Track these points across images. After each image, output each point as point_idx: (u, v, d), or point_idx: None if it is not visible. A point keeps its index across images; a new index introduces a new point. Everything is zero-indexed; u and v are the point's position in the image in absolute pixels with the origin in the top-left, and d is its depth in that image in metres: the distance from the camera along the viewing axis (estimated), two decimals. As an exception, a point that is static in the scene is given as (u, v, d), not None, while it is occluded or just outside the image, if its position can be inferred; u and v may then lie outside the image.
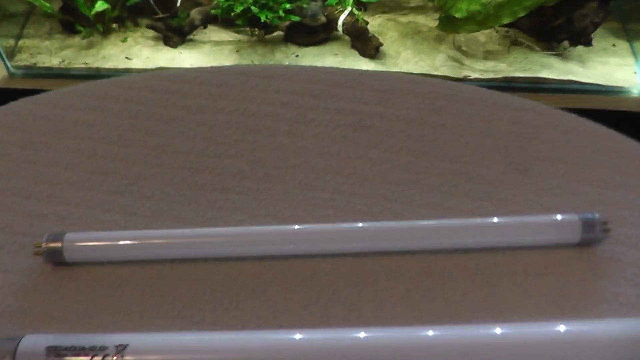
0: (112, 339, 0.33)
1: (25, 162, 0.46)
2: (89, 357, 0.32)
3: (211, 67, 0.54)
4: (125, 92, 0.51)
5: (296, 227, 0.39)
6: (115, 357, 0.32)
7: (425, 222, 0.40)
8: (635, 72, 1.08)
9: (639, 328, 0.34)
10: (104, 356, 0.32)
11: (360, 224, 0.39)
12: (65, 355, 0.32)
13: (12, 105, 0.50)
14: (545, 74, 1.04)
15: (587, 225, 0.39)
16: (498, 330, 0.33)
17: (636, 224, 0.41)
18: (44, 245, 0.39)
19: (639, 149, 0.47)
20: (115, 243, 0.39)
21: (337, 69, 0.53)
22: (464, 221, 0.40)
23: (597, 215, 0.39)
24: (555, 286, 0.38)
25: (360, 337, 0.33)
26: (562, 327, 0.33)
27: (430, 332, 0.33)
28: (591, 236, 0.39)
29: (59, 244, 0.39)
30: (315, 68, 0.54)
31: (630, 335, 0.33)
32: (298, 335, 0.33)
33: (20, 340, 0.33)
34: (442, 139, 0.47)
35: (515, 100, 0.50)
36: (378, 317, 0.36)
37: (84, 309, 0.37)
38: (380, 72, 0.51)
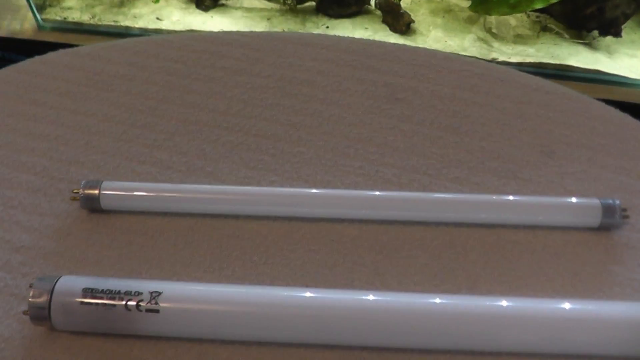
0: (147, 285, 0.34)
1: (64, 111, 0.47)
2: (124, 302, 0.34)
3: (250, 32, 0.55)
4: (165, 50, 0.52)
5: (326, 191, 0.41)
6: (149, 303, 0.34)
7: (450, 195, 0.41)
8: (663, 67, 1.08)
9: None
10: (138, 301, 0.33)
11: (387, 193, 0.41)
12: (101, 297, 0.34)
13: (52, 55, 0.51)
14: (572, 62, 1.04)
15: (608, 210, 0.40)
16: (504, 303, 0.34)
17: (657, 212, 0.42)
18: (81, 191, 0.40)
19: (666, 140, 0.47)
20: (151, 194, 0.40)
21: (374, 41, 0.53)
22: (488, 197, 0.41)
23: (617, 201, 0.40)
24: (571, 267, 0.39)
25: (383, 300, 0.34)
26: (567, 305, 0.34)
27: (446, 300, 0.34)
28: (610, 221, 0.40)
29: (96, 191, 0.40)
30: (353, 39, 0.54)
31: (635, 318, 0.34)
32: (323, 295, 0.34)
33: (58, 280, 0.34)
34: (473, 117, 0.47)
35: (546, 83, 0.50)
36: (400, 283, 0.38)
37: (117, 255, 0.39)
38: (415, 47, 0.51)
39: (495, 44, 1.05)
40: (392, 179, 0.43)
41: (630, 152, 0.46)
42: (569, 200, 0.41)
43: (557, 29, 1.09)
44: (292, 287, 0.36)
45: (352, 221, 0.40)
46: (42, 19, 1.08)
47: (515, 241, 0.40)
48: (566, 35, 1.09)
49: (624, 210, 0.41)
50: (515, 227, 0.41)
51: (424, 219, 0.40)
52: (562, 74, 1.05)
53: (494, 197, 0.41)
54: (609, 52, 1.08)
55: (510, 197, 0.41)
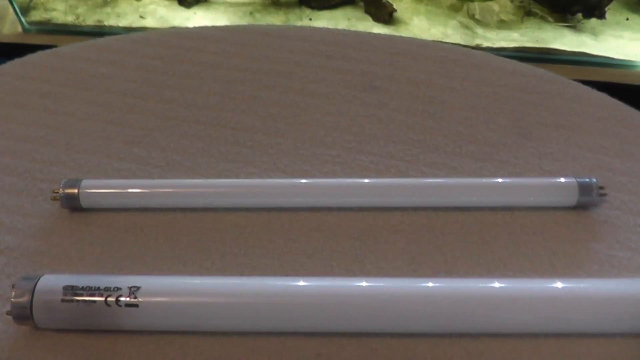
0: (126, 280, 0.35)
1: (44, 112, 0.48)
2: (104, 297, 0.34)
3: (226, 26, 0.55)
4: (142, 47, 0.52)
5: (304, 180, 0.41)
6: (128, 298, 0.34)
7: (426, 180, 0.41)
8: (648, 47, 1.08)
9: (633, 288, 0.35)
10: (118, 297, 0.34)
11: (365, 180, 0.41)
12: (82, 294, 0.34)
13: (32, 57, 0.52)
14: (557, 45, 1.04)
15: (584, 189, 0.40)
16: (496, 284, 0.35)
17: (633, 190, 0.43)
18: (61, 191, 0.40)
19: (641, 118, 0.48)
20: (130, 191, 0.41)
21: (350, 31, 0.54)
22: (464, 180, 0.41)
23: (594, 179, 0.41)
24: (550, 246, 0.39)
25: (361, 286, 0.35)
26: (559, 284, 0.35)
27: (430, 284, 0.35)
28: (588, 200, 0.41)
29: (75, 190, 0.40)
30: (329, 29, 0.54)
31: (624, 294, 0.35)
32: (302, 283, 0.35)
33: (39, 279, 0.35)
34: (449, 102, 0.48)
35: (522, 66, 0.51)
36: (379, 268, 0.38)
37: (99, 252, 0.39)
38: (392, 35, 0.52)
39: (479, 31, 1.06)
40: (370, 166, 0.43)
41: (608, 130, 0.46)
42: (545, 180, 0.41)
43: (541, 13, 1.09)
44: (271, 276, 0.37)
45: (330, 209, 0.41)
46: (26, 21, 1.09)
47: (493, 223, 0.40)
48: (550, 19, 1.09)
49: (601, 188, 0.41)
50: (493, 209, 0.41)
51: (401, 205, 0.41)
52: (548, 57, 1.05)
53: (471, 180, 0.42)
54: (594, 34, 1.09)
55: (487, 180, 0.41)
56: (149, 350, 0.34)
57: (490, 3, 1.08)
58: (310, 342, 0.35)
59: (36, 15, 1.10)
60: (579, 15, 1.08)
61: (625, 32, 1.09)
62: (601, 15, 1.06)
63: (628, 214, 0.41)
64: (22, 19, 1.08)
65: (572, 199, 0.41)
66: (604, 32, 1.09)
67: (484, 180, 0.41)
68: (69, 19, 1.09)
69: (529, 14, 1.09)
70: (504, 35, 1.05)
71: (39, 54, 0.52)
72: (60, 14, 1.10)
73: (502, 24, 1.07)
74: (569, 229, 0.40)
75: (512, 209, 0.41)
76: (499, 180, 0.41)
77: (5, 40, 1.08)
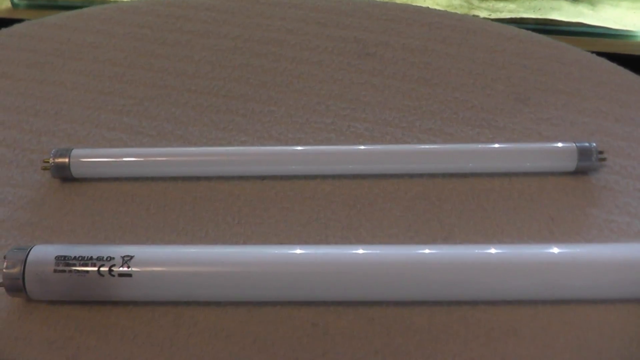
0: (119, 250, 0.34)
1: (32, 82, 0.47)
2: (96, 267, 0.33)
3: (216, -7, 0.54)
4: (131, 16, 0.51)
5: (298, 147, 0.40)
6: (121, 268, 0.33)
7: (422, 146, 0.41)
8: (646, 16, 1.07)
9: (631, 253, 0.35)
10: (111, 266, 0.33)
11: (360, 147, 0.40)
12: (74, 264, 0.34)
13: (19, 27, 0.51)
14: (555, 15, 1.03)
15: (584, 153, 0.40)
16: (493, 250, 0.34)
17: (632, 155, 0.42)
18: (51, 160, 0.40)
19: (640, 82, 0.47)
20: (121, 159, 0.40)
21: (343, -3, 0.53)
22: (461, 146, 0.41)
23: (593, 144, 0.40)
24: (548, 212, 0.39)
25: (358, 254, 0.34)
26: (556, 250, 0.34)
27: (427, 251, 0.34)
28: (587, 164, 0.40)
29: (65, 160, 0.40)
30: (321, -4, 0.53)
31: (622, 259, 0.34)
32: (297, 251, 0.34)
33: (30, 250, 0.34)
34: (445, 68, 0.47)
35: (520, 32, 0.50)
36: (375, 236, 0.38)
37: (91, 222, 0.39)
38: (385, 2, 0.51)
39: (476, 1, 1.04)
40: (365, 133, 0.43)
41: (607, 95, 0.46)
42: (544, 145, 0.41)
43: (538, -17, 1.08)
44: (265, 245, 0.36)
45: (325, 177, 0.40)
46: (15, -4, 1.07)
47: (490, 189, 0.40)
48: (547, -11, 1.08)
49: (601, 152, 0.41)
50: (490, 175, 0.41)
51: (397, 172, 0.40)
52: (545, 28, 1.05)
53: (467, 145, 0.41)
54: (592, 4, 1.08)
55: (484, 145, 0.41)
56: (143, 321, 0.34)
57: (487, -27, 1.06)
58: (305, 311, 0.34)
59: (25, -10, 1.08)
60: (577, -16, 1.07)
61: (623, 2, 1.09)
62: (599, -15, 1.05)
63: (627, 178, 0.41)
64: (11, -7, 1.07)
65: (571, 163, 0.40)
66: (602, 2, 1.08)
67: (481, 145, 0.41)
68: (59, -7, 1.07)
69: (526, -16, 1.08)
70: (501, 5, 1.04)
71: (26, 23, 0.51)
72: (50, -12, 1.08)
73: (499, -5, 1.06)
74: (567, 195, 0.40)
75: (509, 175, 0.41)
76: (496, 145, 0.41)
77: (-7, 15, 1.06)
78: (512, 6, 1.04)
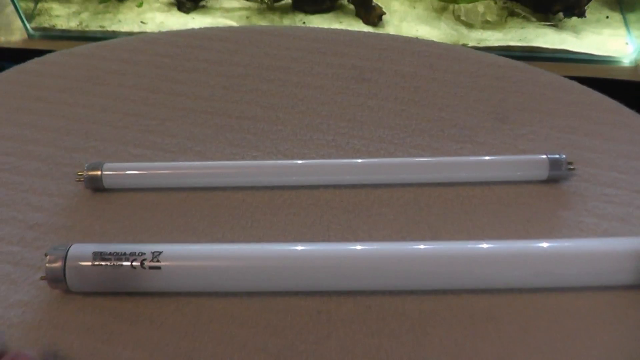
0: (149, 247, 0.39)
1: (63, 105, 0.52)
2: (130, 261, 0.38)
3: (228, 27, 0.60)
4: (152, 46, 0.57)
5: (302, 161, 0.46)
6: (151, 262, 0.38)
7: (413, 159, 0.46)
8: (627, 43, 1.13)
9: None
10: (142, 260, 0.38)
11: (357, 160, 0.46)
12: (110, 259, 0.38)
13: (50, 56, 0.56)
14: (540, 43, 1.09)
15: (554, 163, 0.45)
16: (474, 245, 0.39)
17: (600, 164, 0.47)
18: (85, 173, 0.45)
19: (609, 101, 0.52)
20: (147, 172, 0.45)
21: (341, 29, 0.59)
22: (446, 159, 0.46)
23: (563, 155, 0.46)
24: (524, 215, 0.44)
25: (356, 249, 0.39)
26: (530, 244, 0.39)
27: (417, 246, 0.39)
28: (558, 173, 0.45)
29: (98, 172, 0.45)
30: (322, 29, 0.59)
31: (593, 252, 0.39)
32: (304, 247, 0.39)
33: (70, 247, 0.39)
34: (432, 91, 0.53)
35: (499, 59, 0.56)
36: (371, 236, 0.43)
37: (120, 227, 0.44)
38: (379, 33, 0.56)
39: (465, 31, 1.11)
40: (362, 148, 0.48)
41: (578, 113, 0.51)
42: (519, 157, 0.46)
43: (523, 13, 1.14)
44: (276, 242, 0.41)
45: (326, 186, 0.45)
46: (31, 27, 1.13)
47: (472, 196, 0.45)
48: (533, 19, 1.14)
49: (570, 163, 0.46)
50: (473, 184, 0.46)
51: (390, 181, 0.46)
52: (531, 55, 1.10)
53: (452, 158, 0.46)
54: (576, 32, 1.14)
55: (467, 158, 0.46)
56: (168, 310, 0.39)
57: (475, 4, 1.13)
58: (311, 300, 0.39)
59: (40, 22, 1.14)
60: (560, 14, 1.13)
61: (605, 30, 1.15)
62: (581, 14, 1.11)
63: (595, 185, 0.46)
64: (27, 25, 1.13)
65: (543, 173, 0.45)
66: (585, 30, 1.14)
67: (465, 158, 0.46)
68: (72, 24, 1.14)
69: (512, 14, 1.15)
70: (488, 34, 1.10)
71: (56, 53, 0.56)
72: (64, 20, 1.14)
73: (487, 25, 1.13)
74: (541, 200, 0.45)
75: (489, 183, 0.46)
76: (478, 158, 0.46)
77: (11, 45, 1.12)
78: (499, 35, 1.10)
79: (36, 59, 0.55)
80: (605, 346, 0.37)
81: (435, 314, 0.38)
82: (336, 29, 0.59)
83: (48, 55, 0.56)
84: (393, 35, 0.56)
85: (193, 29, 0.59)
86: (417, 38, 0.57)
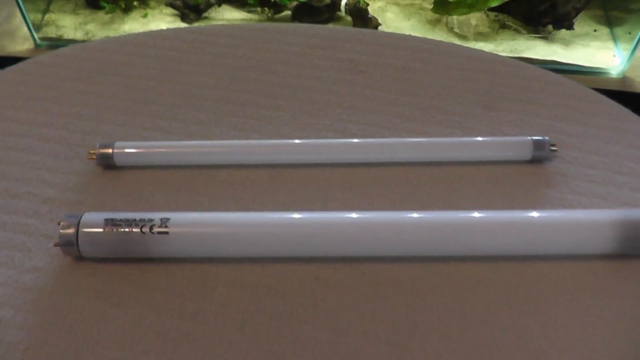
0: (157, 214, 0.41)
1: (76, 93, 0.55)
2: (139, 227, 0.41)
3: (232, 24, 0.63)
4: (161, 41, 0.60)
5: (302, 141, 0.49)
6: (159, 227, 0.41)
7: (405, 140, 0.49)
8: (614, 55, 1.17)
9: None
10: (151, 226, 0.41)
11: (353, 140, 0.49)
12: (120, 225, 0.41)
13: (64, 50, 0.59)
14: (530, 54, 1.13)
15: (538, 144, 0.48)
16: (462, 215, 0.42)
17: (582, 148, 0.50)
18: (97, 151, 0.48)
19: (591, 93, 0.56)
20: (156, 150, 0.48)
21: (339, 27, 0.62)
22: (437, 140, 0.49)
23: (546, 137, 0.49)
24: (509, 192, 0.47)
25: (352, 217, 0.42)
26: (514, 214, 0.42)
27: (408, 215, 0.42)
28: (541, 154, 0.48)
29: (109, 150, 0.48)
30: (320, 26, 0.63)
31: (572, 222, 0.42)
32: (303, 215, 0.42)
33: (82, 215, 0.41)
34: (424, 82, 0.56)
35: (486, 55, 0.59)
36: (365, 210, 0.45)
37: (129, 201, 0.46)
38: (374, 30, 0.60)
39: (458, 42, 1.14)
40: (357, 132, 0.51)
41: (561, 103, 0.54)
42: (505, 138, 0.49)
43: (515, 26, 1.19)
44: (277, 211, 0.44)
45: (324, 165, 0.48)
46: (39, 38, 1.17)
47: (461, 175, 0.48)
48: (523, 31, 1.18)
49: (553, 145, 0.49)
50: (461, 163, 0.49)
51: (384, 160, 0.48)
52: (524, 65, 1.14)
53: (442, 139, 0.49)
54: (565, 44, 1.18)
55: (456, 139, 0.49)
56: (175, 275, 0.41)
57: (468, 17, 1.17)
58: (309, 267, 0.41)
59: (48, 32, 1.18)
60: (550, 26, 1.18)
61: (593, 42, 1.19)
62: (570, 26, 1.15)
63: (577, 166, 0.49)
64: (35, 35, 1.16)
65: (527, 153, 0.48)
66: (574, 42, 1.18)
67: (454, 139, 0.49)
68: (79, 35, 1.17)
69: (503, 26, 1.19)
70: (480, 46, 1.14)
71: (70, 47, 0.59)
72: (71, 31, 1.18)
73: (479, 36, 1.17)
74: (525, 179, 0.48)
75: (477, 163, 0.49)
76: (466, 139, 0.49)
77: (18, 55, 1.16)
78: (491, 46, 1.14)
79: (51, 52, 0.59)
80: (586, 311, 0.39)
81: (425, 280, 0.41)
82: (334, 27, 0.63)
83: (62, 49, 0.59)
84: (387, 32, 0.60)
85: (199, 26, 0.63)
86: (409, 35, 0.61)
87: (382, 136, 0.51)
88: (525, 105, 0.54)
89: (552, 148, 0.49)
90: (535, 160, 0.49)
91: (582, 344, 0.37)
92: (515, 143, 0.49)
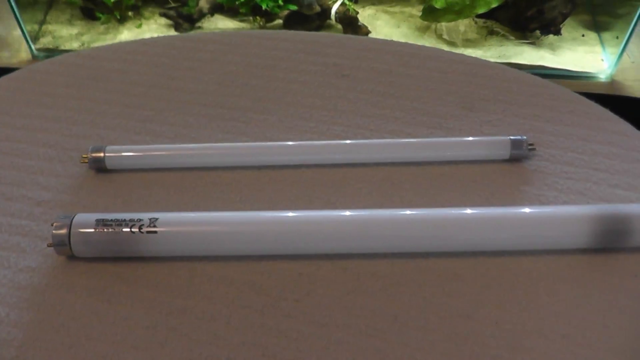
0: (147, 215, 0.43)
1: (70, 98, 0.57)
2: (129, 227, 0.42)
3: (220, 32, 0.65)
4: (152, 48, 0.62)
5: (287, 143, 0.50)
6: (148, 227, 0.42)
7: (386, 140, 0.51)
8: (602, 60, 1.19)
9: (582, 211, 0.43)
10: (140, 226, 0.42)
11: (336, 142, 0.50)
12: (111, 225, 0.42)
13: (58, 58, 0.61)
14: (518, 59, 1.15)
15: (515, 144, 0.50)
16: (440, 212, 0.43)
17: (560, 146, 0.52)
18: (89, 154, 0.49)
19: (570, 93, 0.57)
20: (147, 154, 0.50)
21: (324, 33, 0.64)
22: (417, 140, 0.51)
23: (524, 137, 0.50)
24: (489, 189, 0.48)
25: (333, 215, 0.43)
26: (492, 210, 0.43)
27: (388, 213, 0.44)
28: (519, 153, 0.50)
29: (101, 154, 0.49)
30: (306, 32, 0.65)
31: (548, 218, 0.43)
32: (288, 214, 0.43)
33: (75, 216, 0.43)
34: (406, 85, 0.58)
35: (467, 58, 0.61)
36: (348, 209, 0.47)
37: (121, 203, 0.48)
38: (358, 36, 0.62)
39: (447, 49, 1.16)
40: (341, 134, 0.53)
41: (540, 103, 0.56)
42: (484, 138, 0.51)
43: (502, 32, 1.21)
44: (262, 211, 0.45)
45: (308, 166, 0.50)
46: (36, 48, 1.19)
47: (440, 174, 0.50)
48: (511, 37, 1.20)
49: (531, 144, 0.50)
50: (440, 163, 0.50)
51: (366, 161, 0.50)
52: (510, 69, 1.16)
53: (422, 140, 0.51)
54: (553, 49, 1.20)
55: (436, 139, 0.51)
56: (164, 273, 0.42)
57: (456, 24, 1.19)
58: (293, 264, 0.43)
59: (44, 43, 1.20)
60: (537, 32, 1.20)
61: (581, 47, 1.21)
62: (557, 32, 1.17)
63: (555, 164, 0.50)
64: (32, 45, 1.18)
65: (505, 152, 0.50)
66: (562, 47, 1.20)
67: (433, 139, 0.51)
68: (75, 45, 1.19)
69: (491, 32, 1.21)
70: (469, 52, 1.16)
71: (64, 55, 0.61)
72: (67, 41, 1.20)
73: (467, 43, 1.19)
74: (504, 177, 0.49)
75: (456, 162, 0.50)
76: (446, 139, 0.51)
77: (15, 65, 1.18)
78: (479, 52, 1.16)
79: (46, 60, 0.60)
80: (564, 303, 0.40)
81: (405, 274, 0.42)
82: (319, 33, 0.65)
83: (56, 57, 0.61)
84: (371, 37, 0.61)
85: (189, 34, 0.65)
86: (392, 40, 0.62)
87: (364, 137, 0.53)
88: (505, 106, 0.55)
89: (530, 147, 0.50)
90: (513, 159, 0.50)
91: (560, 335, 0.39)
92: (494, 142, 0.50)
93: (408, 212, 0.43)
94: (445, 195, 0.48)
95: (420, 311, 0.40)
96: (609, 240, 0.43)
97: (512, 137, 0.50)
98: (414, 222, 0.43)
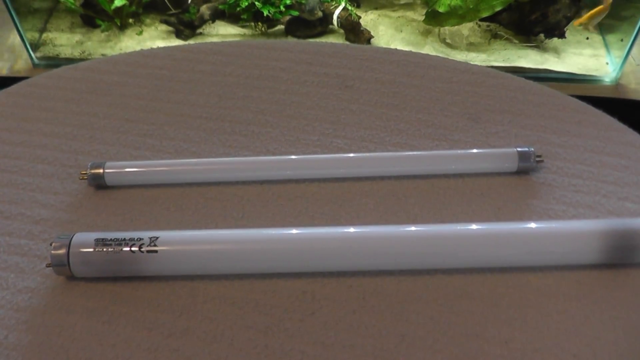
0: (147, 233, 0.42)
1: (69, 113, 0.56)
2: (129, 247, 0.42)
3: (221, 42, 0.64)
4: (152, 60, 0.61)
5: (290, 157, 0.49)
6: (148, 246, 0.42)
7: (391, 154, 0.50)
8: (607, 63, 1.18)
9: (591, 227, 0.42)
10: (141, 245, 0.42)
11: (339, 155, 0.49)
12: (110, 245, 0.42)
13: (57, 71, 0.60)
14: (522, 63, 1.14)
15: (523, 156, 0.49)
16: (448, 228, 0.43)
17: (567, 158, 0.51)
18: (88, 171, 0.49)
19: (576, 102, 0.56)
20: (146, 169, 0.49)
21: (327, 42, 0.63)
22: (423, 153, 0.50)
23: (532, 149, 0.49)
24: (496, 203, 0.47)
25: (338, 232, 0.42)
26: (500, 226, 0.42)
27: (395, 229, 0.43)
28: (527, 165, 0.49)
29: (100, 170, 0.48)
30: (308, 42, 0.64)
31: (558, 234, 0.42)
32: (292, 231, 0.42)
33: (74, 235, 0.42)
34: (410, 96, 0.57)
35: (472, 66, 0.60)
36: (352, 224, 0.46)
37: (121, 220, 0.47)
38: (361, 45, 0.61)
39: (450, 53, 1.16)
40: (344, 147, 0.52)
41: (546, 113, 0.55)
42: (491, 150, 0.50)
43: (506, 36, 1.20)
44: (264, 228, 0.44)
45: (311, 180, 0.49)
46: (36, 57, 1.18)
47: (447, 187, 0.49)
48: (515, 41, 1.19)
49: (539, 156, 0.49)
50: (447, 176, 0.49)
51: (370, 175, 0.49)
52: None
53: (428, 152, 0.50)
54: (557, 52, 1.19)
55: (442, 152, 0.50)
56: (165, 293, 0.42)
57: (459, 27, 1.18)
58: (296, 282, 0.42)
59: (45, 51, 1.19)
60: (541, 35, 1.19)
61: (586, 50, 1.20)
62: (561, 35, 1.16)
63: (563, 176, 0.49)
64: (32, 54, 1.18)
65: (513, 165, 0.49)
66: (566, 50, 1.19)
67: (440, 152, 0.50)
68: (76, 53, 1.19)
69: (495, 36, 1.20)
70: (473, 56, 1.15)
71: (63, 68, 0.60)
72: (68, 49, 1.19)
73: (471, 47, 1.18)
74: (511, 190, 0.48)
75: (463, 175, 0.49)
76: (451, 151, 0.50)
77: (16, 74, 1.17)
78: (483, 56, 1.15)
79: (44, 74, 0.60)
80: (573, 320, 0.39)
81: (411, 292, 0.41)
82: (321, 42, 0.64)
83: (54, 70, 0.60)
84: (374, 46, 0.61)
85: (189, 44, 0.64)
86: (395, 48, 0.61)
87: (368, 150, 0.52)
88: (511, 117, 0.54)
89: (538, 159, 0.49)
90: (521, 172, 0.49)
91: (571, 355, 0.38)
92: (501, 155, 0.49)
93: (414, 228, 0.42)
94: (451, 210, 0.47)
95: (428, 330, 0.39)
96: (620, 256, 0.42)
97: (519, 149, 0.49)
98: (420, 238, 0.42)
